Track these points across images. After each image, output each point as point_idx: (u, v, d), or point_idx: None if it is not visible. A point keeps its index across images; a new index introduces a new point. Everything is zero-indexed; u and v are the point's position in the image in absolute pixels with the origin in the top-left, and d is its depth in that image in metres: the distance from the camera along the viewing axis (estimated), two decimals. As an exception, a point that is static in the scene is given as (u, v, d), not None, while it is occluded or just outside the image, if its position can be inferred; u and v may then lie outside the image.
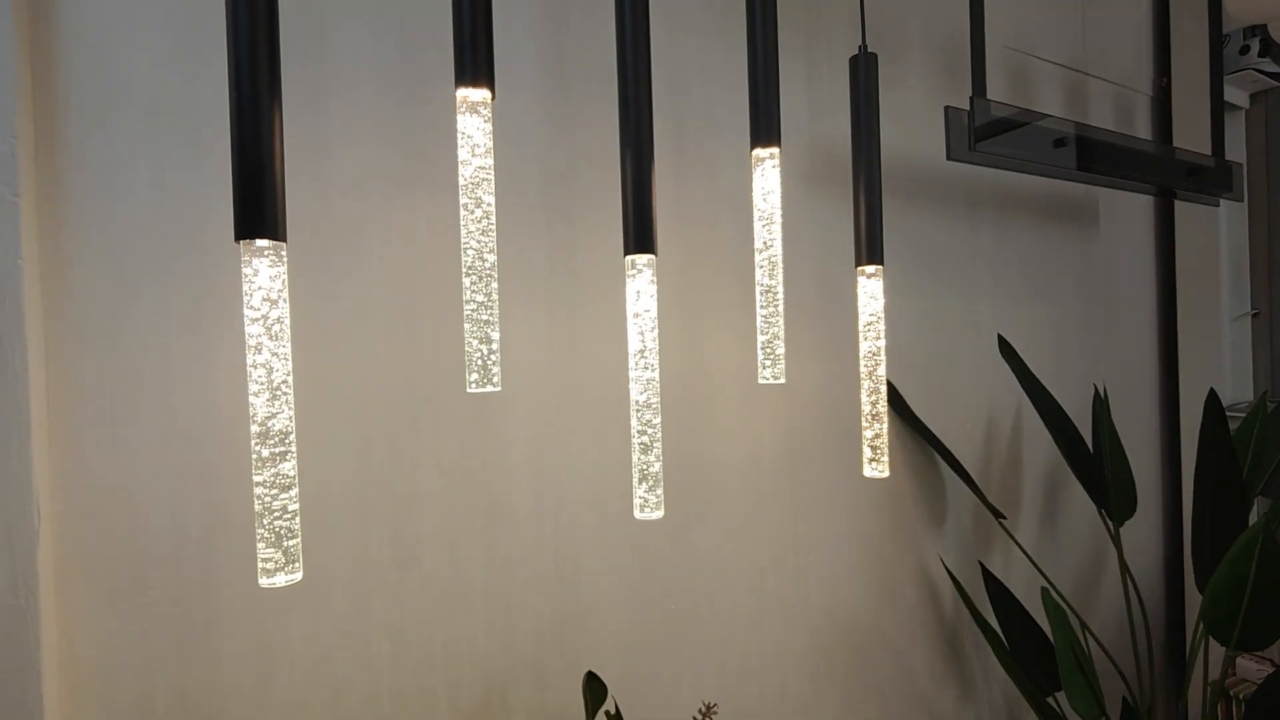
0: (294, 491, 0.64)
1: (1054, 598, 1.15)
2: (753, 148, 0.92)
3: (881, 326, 1.04)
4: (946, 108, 1.21)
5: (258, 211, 0.61)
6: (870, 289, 1.03)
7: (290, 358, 0.63)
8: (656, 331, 0.84)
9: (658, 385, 0.84)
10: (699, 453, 1.18)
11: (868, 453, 1.03)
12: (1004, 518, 1.44)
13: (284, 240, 0.63)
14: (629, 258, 0.83)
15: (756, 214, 0.93)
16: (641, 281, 0.84)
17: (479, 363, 0.73)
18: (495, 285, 0.74)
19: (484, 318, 0.73)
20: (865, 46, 1.02)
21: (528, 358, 1.03)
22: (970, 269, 1.56)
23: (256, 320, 0.61)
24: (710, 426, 1.20)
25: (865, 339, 1.03)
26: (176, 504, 0.78)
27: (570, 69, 1.08)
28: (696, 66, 1.19)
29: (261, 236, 0.61)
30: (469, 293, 0.72)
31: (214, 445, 0.81)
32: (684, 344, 1.17)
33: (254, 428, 0.61)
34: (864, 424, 1.03)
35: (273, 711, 0.83)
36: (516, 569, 1.00)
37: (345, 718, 0.87)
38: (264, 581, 0.62)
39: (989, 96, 1.31)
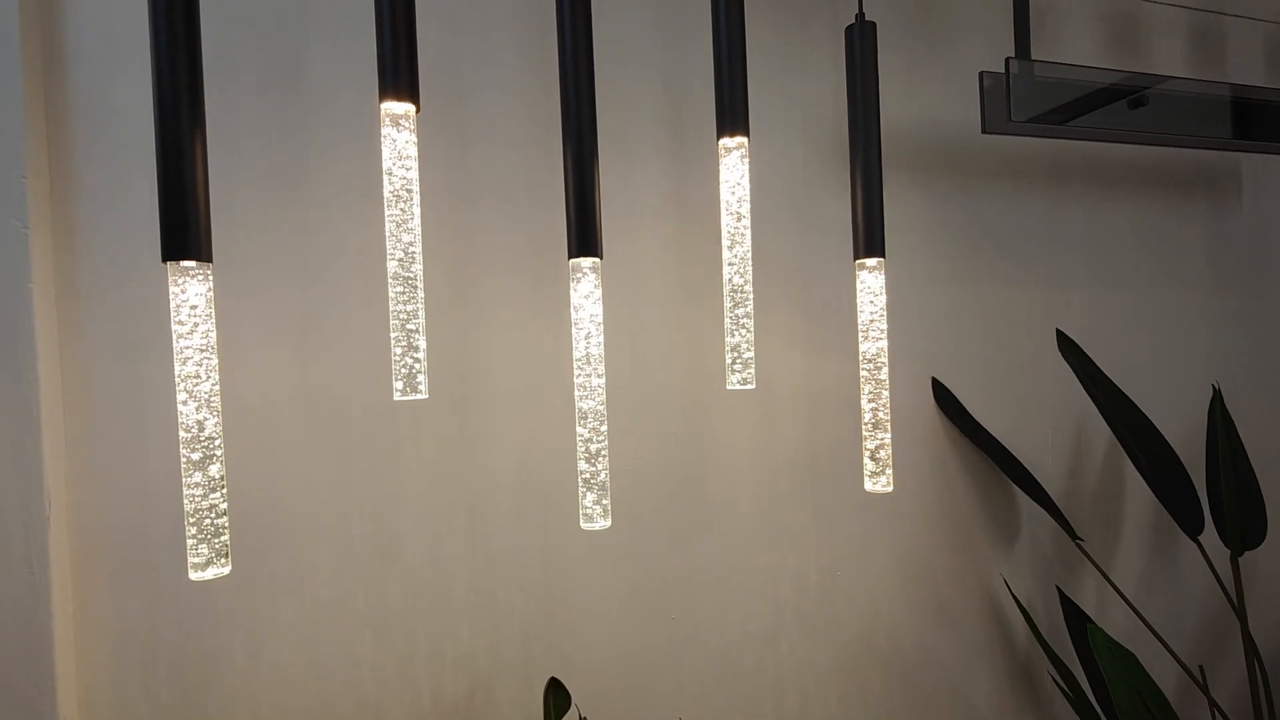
0: (222, 492, 0.69)
1: (1103, 638, 0.97)
2: (719, 137, 0.86)
3: (884, 326, 0.94)
4: (981, 74, 1.06)
5: (182, 235, 0.65)
6: (870, 284, 0.93)
7: (217, 369, 0.68)
8: (601, 337, 0.81)
9: (603, 392, 0.81)
10: (703, 459, 1.14)
11: (869, 465, 0.94)
12: (1081, 540, 1.25)
13: (209, 260, 0.67)
14: (572, 261, 0.81)
15: (724, 207, 0.87)
16: (586, 286, 0.81)
17: (404, 372, 0.74)
18: (421, 294, 0.75)
19: (411, 327, 0.75)
20: (863, 14, 0.92)
21: (516, 361, 1.04)
22: (1055, 253, 1.36)
23: (183, 336, 0.67)
24: (715, 432, 1.14)
25: (866, 339, 0.94)
26: (176, 496, 0.87)
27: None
28: (700, 55, 1.14)
29: (186, 259, 0.66)
30: (394, 303, 0.74)
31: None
32: (686, 346, 1.13)
33: (183, 434, 0.66)
34: (864, 433, 0.94)
35: (262, 684, 0.91)
36: (501, 569, 1.02)
37: (329, 696, 0.93)
38: (194, 575, 0.67)
39: (1077, 51, 1.13)
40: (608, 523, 0.81)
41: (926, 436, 1.27)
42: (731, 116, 0.84)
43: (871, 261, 0.93)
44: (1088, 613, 1.23)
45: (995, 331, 1.31)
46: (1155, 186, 1.44)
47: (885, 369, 0.94)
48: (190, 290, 0.67)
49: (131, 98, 0.89)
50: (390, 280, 0.74)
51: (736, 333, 0.87)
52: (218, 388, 0.68)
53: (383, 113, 0.73)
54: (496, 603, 1.02)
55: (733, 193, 0.86)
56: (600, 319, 0.81)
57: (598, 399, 0.81)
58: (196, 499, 0.67)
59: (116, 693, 0.86)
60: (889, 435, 0.94)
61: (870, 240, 0.92)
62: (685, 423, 1.13)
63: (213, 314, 0.68)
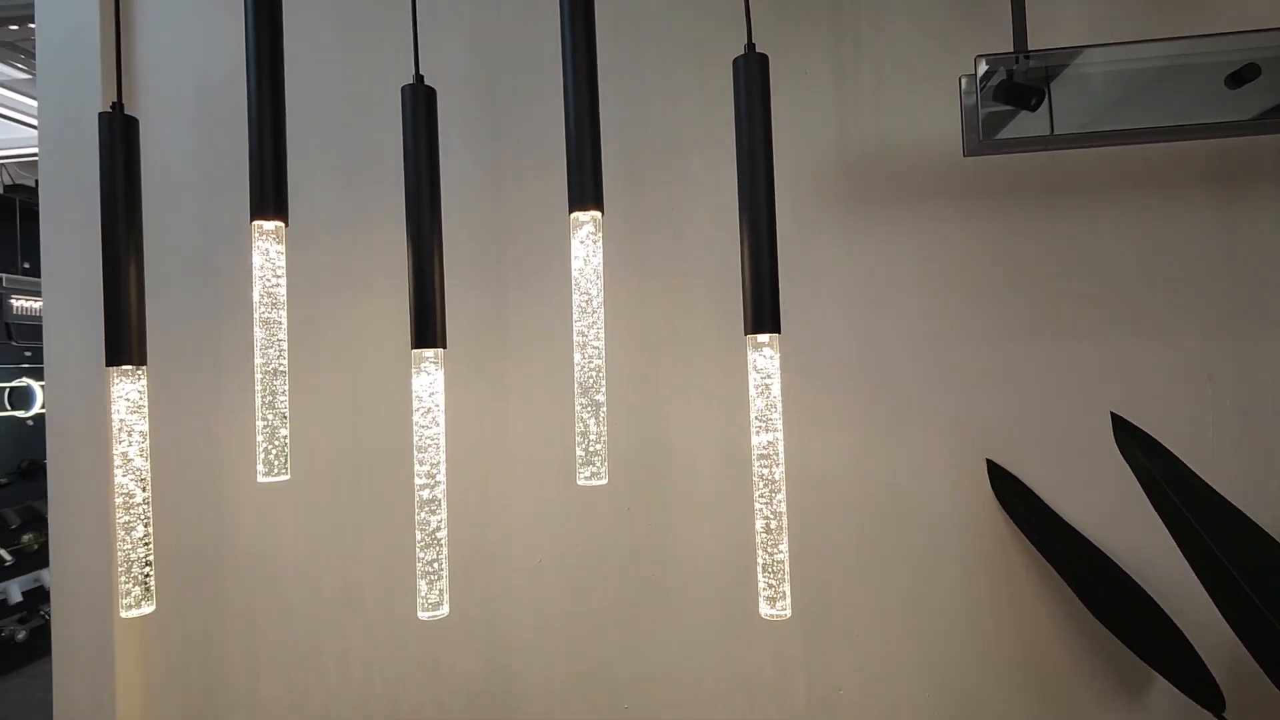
0: (149, 547, 0.87)
1: None
2: (571, 210, 0.80)
3: (777, 415, 0.76)
4: (961, 79, 0.78)
5: (118, 344, 0.85)
6: (763, 365, 0.77)
7: (149, 454, 0.86)
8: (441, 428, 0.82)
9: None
10: (664, 543, 1.04)
11: (763, 586, 0.77)
12: (1218, 709, 0.82)
13: (144, 364, 0.86)
14: (415, 351, 0.83)
15: (575, 286, 0.81)
16: (426, 379, 0.83)
17: (271, 456, 0.85)
18: (285, 386, 0.85)
19: (278, 411, 0.85)
20: (752, 45, 0.77)
21: (465, 429, 1.08)
22: (1169, 294, 0.94)
23: (120, 427, 0.86)
24: (681, 508, 1.04)
25: (758, 432, 0.77)
26: (200, 530, 1.11)
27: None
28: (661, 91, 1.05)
29: (121, 364, 0.85)
30: (260, 395, 0.85)
31: (233, 495, 1.11)
32: (645, 417, 1.05)
33: (118, 499, 0.86)
34: (758, 543, 0.78)
35: (263, 688, 1.10)
36: (448, 634, 1.07)
37: (311, 711, 1.09)
38: (125, 614, 0.86)
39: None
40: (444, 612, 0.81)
41: (987, 541, 0.98)
42: (580, 190, 0.78)
43: (764, 338, 0.77)
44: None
45: (1077, 395, 0.95)
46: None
47: (779, 467, 0.76)
48: (125, 387, 0.86)
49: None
50: (257, 373, 0.85)
51: (587, 427, 0.79)
52: (147, 466, 0.86)
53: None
54: (441, 662, 1.07)
55: (581, 271, 0.79)
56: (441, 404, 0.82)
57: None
58: (127, 550, 0.86)
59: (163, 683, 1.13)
60: (786, 543, 0.76)
61: (760, 312, 0.76)
62: (659, 496, 1.05)
63: (146, 406, 0.87)
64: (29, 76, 2.04)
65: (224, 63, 1.12)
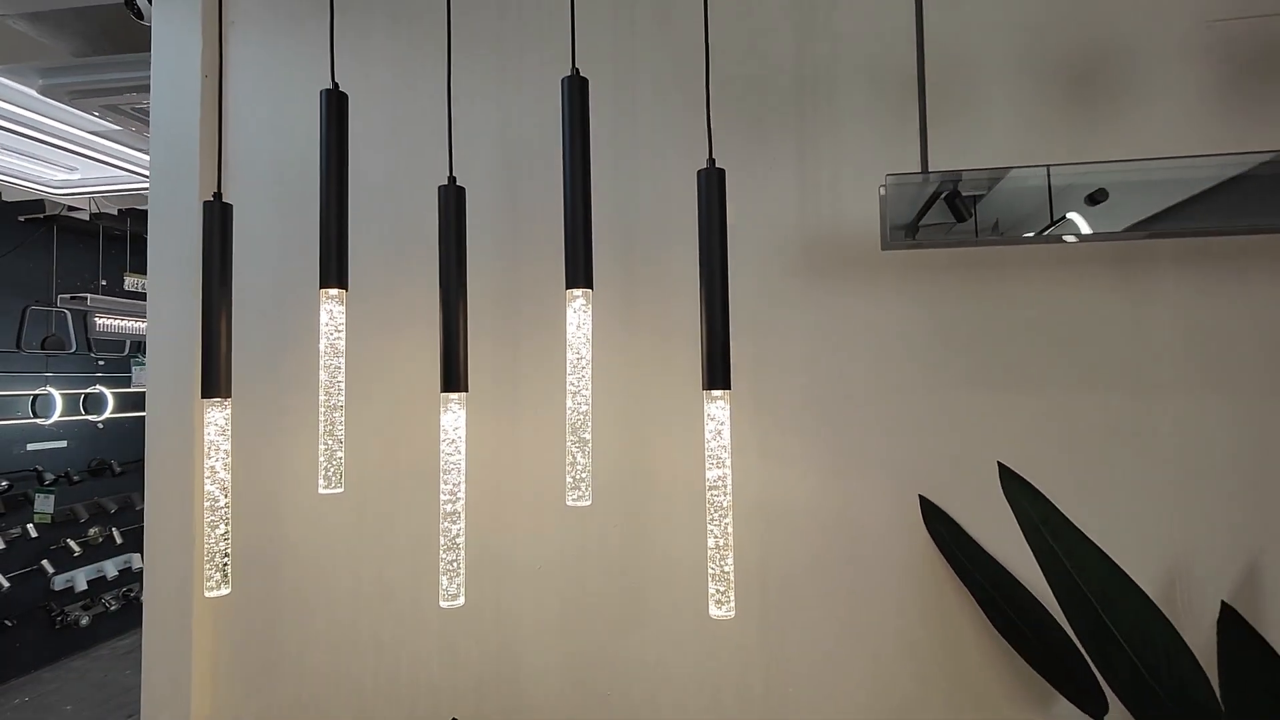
0: (228, 542, 1.09)
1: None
2: (566, 287, 1.00)
3: (727, 454, 0.96)
4: (886, 179, 0.96)
5: (211, 382, 1.08)
6: (716, 414, 0.96)
7: (230, 467, 1.09)
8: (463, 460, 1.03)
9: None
10: (640, 555, 1.24)
11: (713, 589, 0.96)
12: (1100, 714, 0.98)
13: (229, 396, 1.09)
14: (443, 394, 1.04)
15: (569, 346, 1.01)
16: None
17: (330, 473, 1.06)
18: (342, 418, 1.07)
19: (336, 437, 1.07)
20: (713, 160, 0.97)
21: (481, 456, 1.29)
22: (1066, 356, 1.11)
23: (210, 446, 1.09)
24: (653, 528, 1.23)
25: (711, 467, 0.97)
26: (262, 530, 1.34)
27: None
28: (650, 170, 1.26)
29: (212, 397, 1.08)
30: (322, 424, 1.07)
31: (289, 502, 1.34)
32: (628, 454, 1.25)
33: (206, 503, 1.08)
34: (709, 558, 0.96)
35: (310, 662, 1.31)
36: (462, 622, 1.28)
37: (345, 691, 1.30)
38: (207, 594, 1.09)
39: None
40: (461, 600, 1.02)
41: (919, 565, 1.15)
42: (574, 270, 0.99)
43: (717, 393, 0.96)
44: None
45: (994, 441, 1.12)
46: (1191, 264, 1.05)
47: (729, 495, 0.95)
48: (214, 414, 1.09)
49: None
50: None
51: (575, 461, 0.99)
52: (229, 488, 1.09)
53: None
54: (456, 649, 1.28)
55: (575, 336, 1.00)
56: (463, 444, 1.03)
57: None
58: (212, 542, 1.08)
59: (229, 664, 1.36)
60: (731, 558, 0.95)
61: (713, 374, 0.95)
62: (636, 521, 1.24)
63: (230, 436, 1.10)
64: (118, 128, 2.37)
65: (298, 149, 1.37)
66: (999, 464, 0.95)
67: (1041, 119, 1.14)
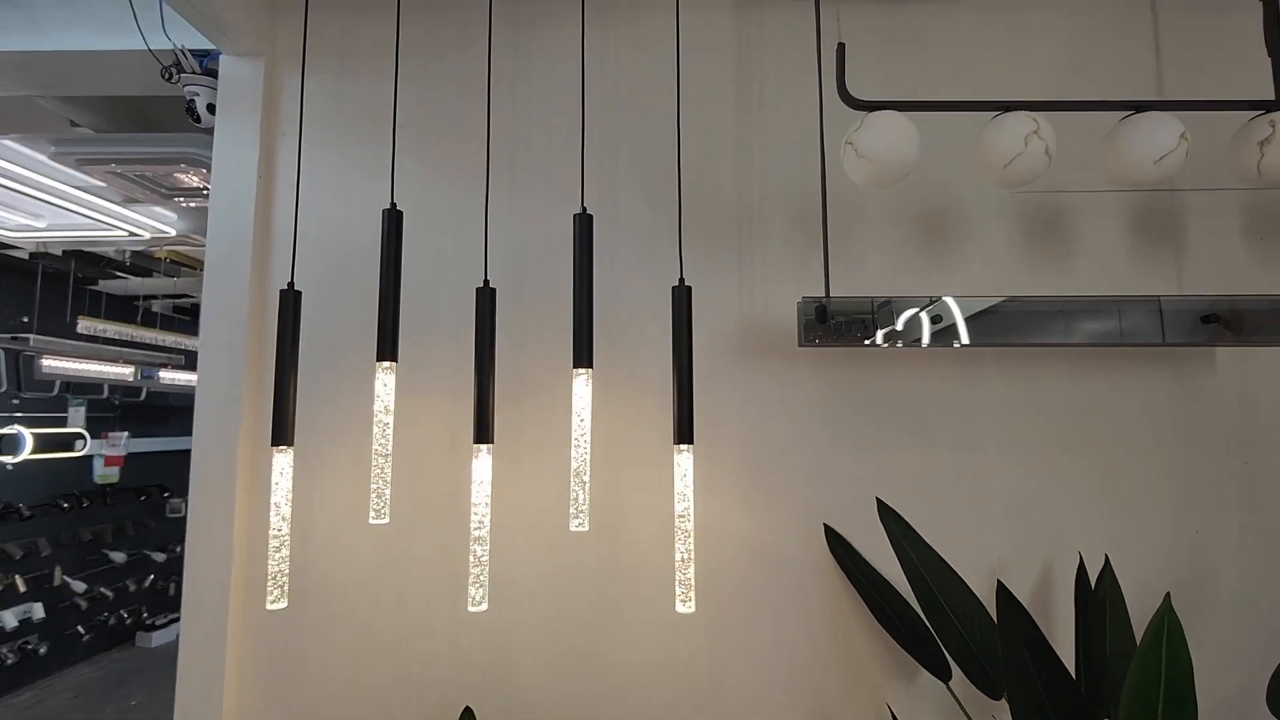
0: (286, 562, 1.35)
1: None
2: (574, 367, 1.36)
3: (690, 492, 1.32)
4: (801, 299, 1.40)
5: (280, 431, 1.35)
6: (683, 464, 1.33)
7: (290, 502, 1.35)
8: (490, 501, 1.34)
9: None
10: (616, 569, 1.57)
11: (679, 590, 1.31)
12: (945, 679, 1.40)
13: (292, 445, 1.36)
14: (475, 444, 1.36)
15: (574, 412, 1.36)
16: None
17: (379, 507, 1.35)
18: (389, 465, 1.36)
19: (384, 479, 1.35)
20: (683, 280, 1.36)
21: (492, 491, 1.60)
22: (967, 422, 1.56)
23: (275, 485, 1.35)
24: (628, 548, 1.58)
25: (678, 501, 1.33)
26: (295, 552, 1.58)
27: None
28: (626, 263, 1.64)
29: (280, 445, 1.35)
30: (373, 468, 1.35)
31: (318, 528, 1.59)
32: (607, 489, 1.60)
33: (271, 530, 1.34)
34: (676, 568, 1.32)
35: (334, 664, 1.55)
36: (465, 627, 1.57)
37: (367, 681, 1.55)
38: (269, 606, 1.33)
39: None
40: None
41: (824, 576, 1.55)
42: (579, 351, 1.34)
43: (684, 446, 1.33)
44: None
45: (880, 484, 1.55)
46: (1101, 356, 1.55)
47: (691, 521, 1.32)
48: (281, 461, 1.36)
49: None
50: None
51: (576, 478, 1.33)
52: (288, 522, 1.35)
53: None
54: (461, 649, 1.56)
55: (580, 411, 1.35)
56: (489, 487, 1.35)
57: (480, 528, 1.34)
58: (274, 565, 1.34)
59: (254, 663, 1.58)
60: (692, 570, 1.31)
61: (682, 429, 1.32)
62: (607, 554, 1.58)
63: (291, 481, 1.36)
64: (103, 184, 2.52)
65: (333, 238, 1.67)
66: (878, 499, 1.37)
67: (903, 254, 1.61)
